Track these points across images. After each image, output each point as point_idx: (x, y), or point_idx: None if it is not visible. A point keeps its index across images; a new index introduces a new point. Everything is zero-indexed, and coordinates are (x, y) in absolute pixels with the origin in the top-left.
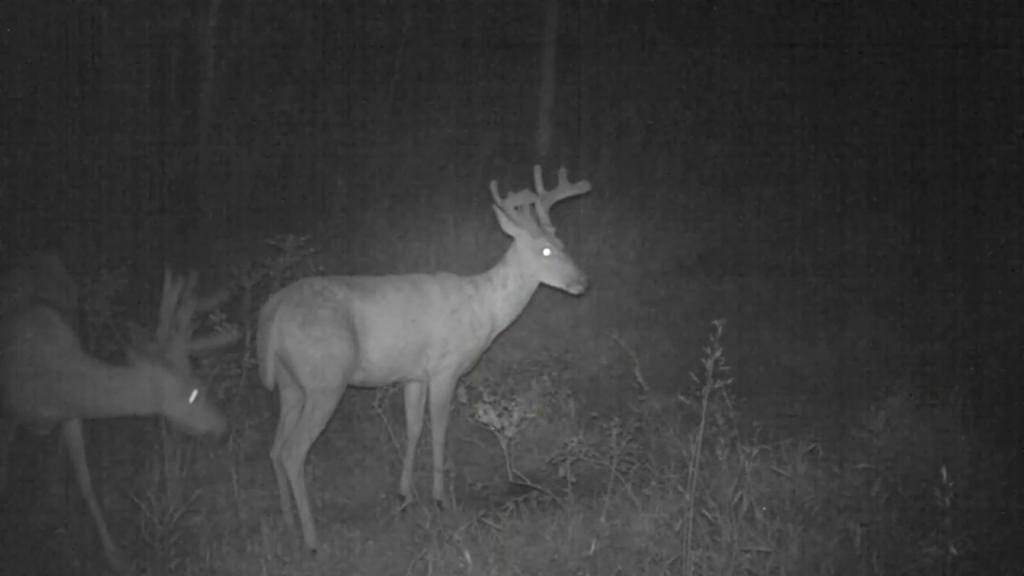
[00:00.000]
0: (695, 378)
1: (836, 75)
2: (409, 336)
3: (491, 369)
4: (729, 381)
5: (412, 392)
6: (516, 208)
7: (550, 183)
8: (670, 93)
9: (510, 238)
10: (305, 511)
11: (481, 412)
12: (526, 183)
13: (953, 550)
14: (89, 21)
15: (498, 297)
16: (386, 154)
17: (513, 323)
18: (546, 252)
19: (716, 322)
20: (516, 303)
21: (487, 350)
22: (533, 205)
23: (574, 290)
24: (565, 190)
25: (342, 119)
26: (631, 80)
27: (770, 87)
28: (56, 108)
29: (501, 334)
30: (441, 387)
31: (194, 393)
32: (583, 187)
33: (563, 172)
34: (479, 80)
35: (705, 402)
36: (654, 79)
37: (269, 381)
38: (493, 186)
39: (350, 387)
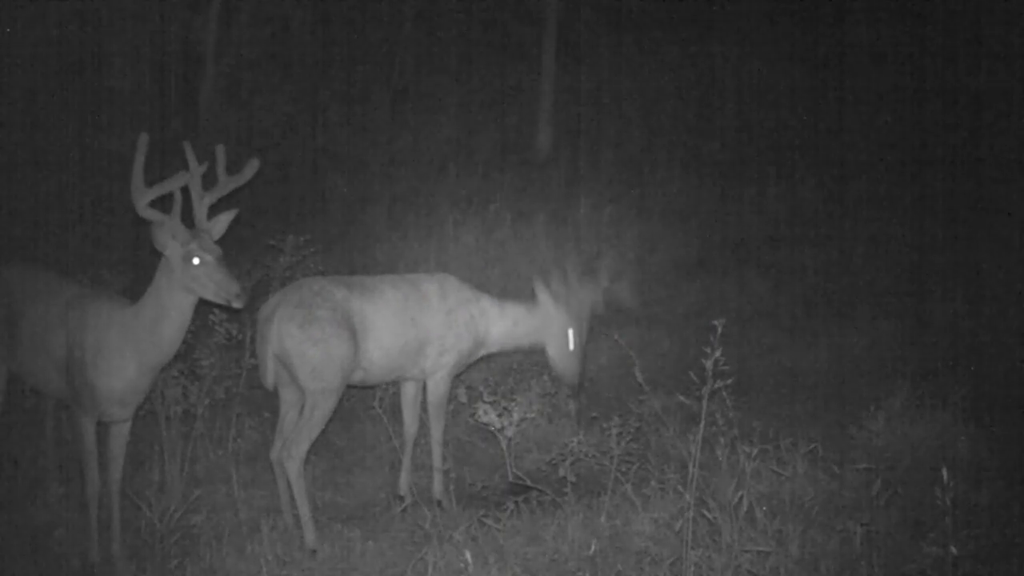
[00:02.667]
0: (695, 378)
1: (836, 75)
2: (408, 334)
3: (491, 369)
4: (729, 381)
5: (408, 391)
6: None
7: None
8: (670, 93)
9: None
10: (305, 511)
11: (481, 412)
12: (526, 183)
13: (953, 550)
14: (89, 21)
15: (498, 324)
16: (386, 154)
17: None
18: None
19: (716, 322)
20: (511, 342)
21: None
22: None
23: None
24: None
25: (342, 119)
26: (631, 80)
27: (770, 86)
28: (56, 108)
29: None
30: (439, 386)
31: (196, 259)
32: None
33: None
34: (479, 80)
35: (705, 402)
36: (654, 79)
37: (269, 382)
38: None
39: (349, 386)
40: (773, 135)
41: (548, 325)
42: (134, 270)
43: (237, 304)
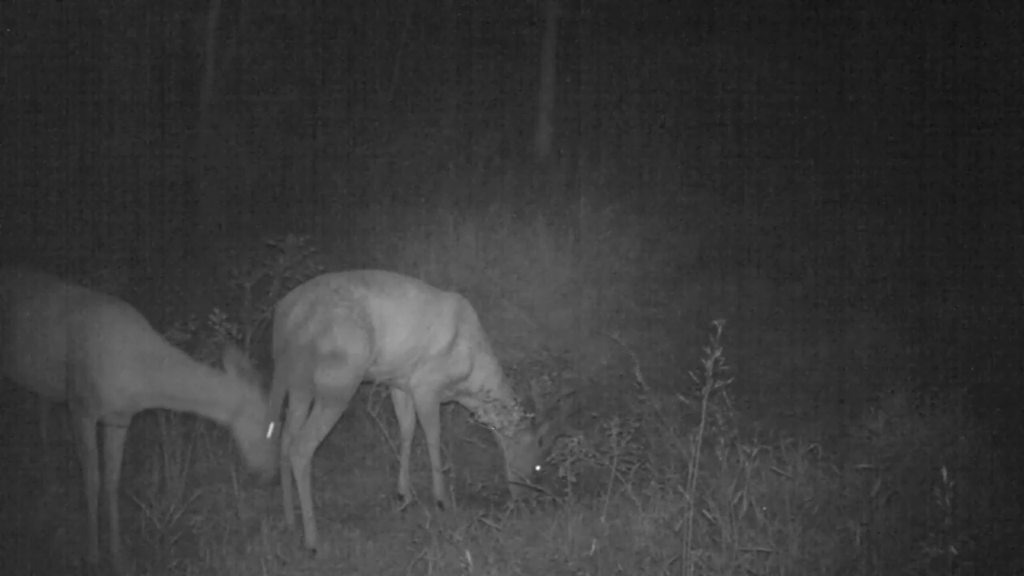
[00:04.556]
0: (695, 378)
1: (836, 75)
2: (419, 338)
3: None
4: (729, 381)
5: (398, 396)
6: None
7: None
8: (670, 93)
9: None
10: (308, 509)
11: (481, 412)
12: (526, 183)
13: (953, 550)
14: (89, 21)
15: (489, 375)
16: (386, 154)
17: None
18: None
19: (716, 322)
20: (482, 392)
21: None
22: None
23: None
24: None
25: (342, 119)
26: (631, 80)
27: (770, 87)
28: (56, 108)
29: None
30: (426, 398)
31: (271, 427)
32: None
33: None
34: (479, 80)
35: (705, 402)
36: (654, 79)
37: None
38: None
39: None
40: (773, 135)
41: (519, 444)
42: (133, 270)
43: (250, 471)
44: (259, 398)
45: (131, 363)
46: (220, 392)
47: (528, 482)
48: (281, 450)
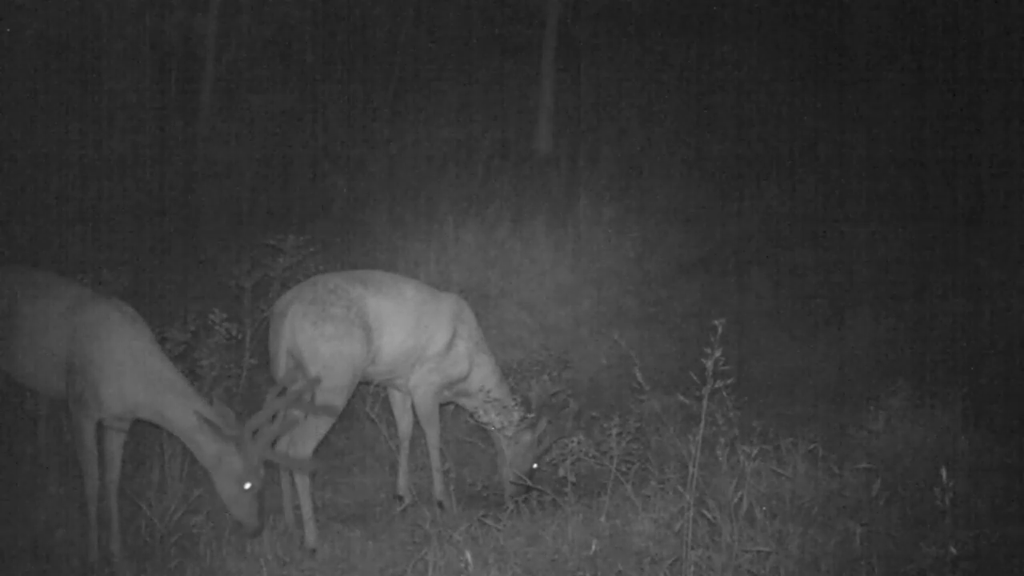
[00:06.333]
0: (695, 378)
1: (837, 75)
2: (418, 338)
3: None
4: (729, 381)
5: (396, 397)
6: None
7: None
8: (670, 93)
9: None
10: (308, 509)
11: (481, 412)
12: (526, 183)
13: (953, 550)
14: (89, 21)
15: (487, 375)
16: (386, 154)
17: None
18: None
19: (716, 322)
20: (480, 395)
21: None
22: None
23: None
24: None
25: (342, 119)
26: (631, 80)
27: (771, 86)
28: (56, 108)
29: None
30: (424, 399)
31: (248, 484)
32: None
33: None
34: (479, 80)
35: (705, 402)
36: (654, 79)
37: (281, 376)
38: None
39: None
40: (773, 135)
41: (519, 444)
42: (134, 270)
43: (234, 521)
44: (237, 453)
45: (132, 369)
46: (200, 436)
47: (529, 482)
48: (280, 450)
